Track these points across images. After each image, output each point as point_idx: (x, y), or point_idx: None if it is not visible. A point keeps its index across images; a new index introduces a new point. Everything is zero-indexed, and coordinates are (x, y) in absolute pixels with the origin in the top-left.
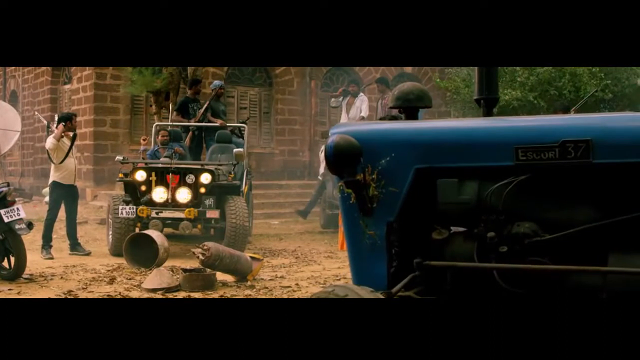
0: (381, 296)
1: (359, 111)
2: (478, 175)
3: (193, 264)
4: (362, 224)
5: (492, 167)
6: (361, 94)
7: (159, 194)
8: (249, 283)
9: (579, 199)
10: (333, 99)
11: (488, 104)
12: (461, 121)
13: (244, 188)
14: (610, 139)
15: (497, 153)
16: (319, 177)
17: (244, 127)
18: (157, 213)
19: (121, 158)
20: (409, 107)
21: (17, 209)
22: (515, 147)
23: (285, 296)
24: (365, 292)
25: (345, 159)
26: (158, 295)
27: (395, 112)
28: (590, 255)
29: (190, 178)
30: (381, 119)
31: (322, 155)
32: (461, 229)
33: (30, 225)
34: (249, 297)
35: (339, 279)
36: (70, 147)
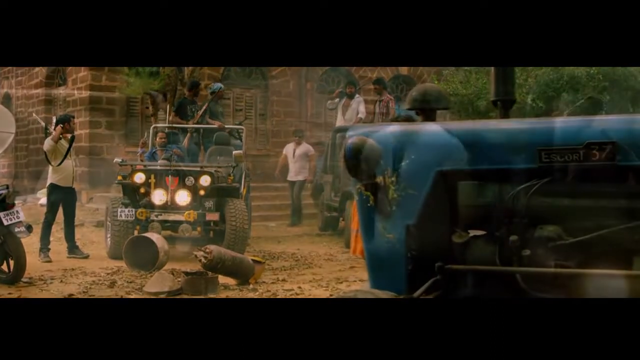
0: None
1: (355, 113)
2: (500, 177)
3: (193, 266)
4: (381, 227)
5: (514, 169)
6: (357, 95)
7: (158, 196)
8: (251, 286)
9: (604, 201)
10: (330, 101)
11: (505, 106)
12: (483, 123)
13: (243, 190)
14: (636, 140)
15: (520, 155)
16: (292, 179)
17: (242, 129)
18: (156, 215)
19: (120, 160)
20: (427, 108)
21: (17, 211)
22: (539, 149)
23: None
24: (387, 297)
25: (365, 161)
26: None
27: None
28: (615, 258)
29: (189, 180)
30: (394, 119)
31: (288, 157)
32: (481, 232)
33: (29, 228)
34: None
35: (341, 282)
36: (69, 149)
